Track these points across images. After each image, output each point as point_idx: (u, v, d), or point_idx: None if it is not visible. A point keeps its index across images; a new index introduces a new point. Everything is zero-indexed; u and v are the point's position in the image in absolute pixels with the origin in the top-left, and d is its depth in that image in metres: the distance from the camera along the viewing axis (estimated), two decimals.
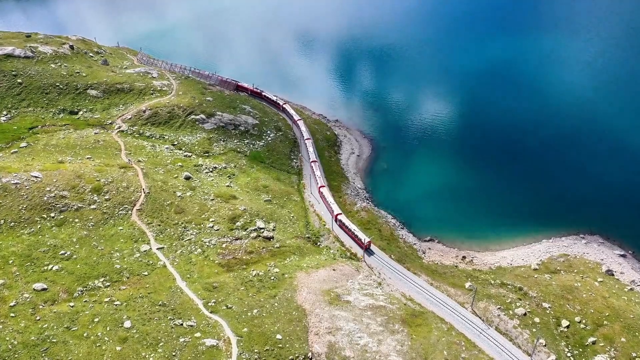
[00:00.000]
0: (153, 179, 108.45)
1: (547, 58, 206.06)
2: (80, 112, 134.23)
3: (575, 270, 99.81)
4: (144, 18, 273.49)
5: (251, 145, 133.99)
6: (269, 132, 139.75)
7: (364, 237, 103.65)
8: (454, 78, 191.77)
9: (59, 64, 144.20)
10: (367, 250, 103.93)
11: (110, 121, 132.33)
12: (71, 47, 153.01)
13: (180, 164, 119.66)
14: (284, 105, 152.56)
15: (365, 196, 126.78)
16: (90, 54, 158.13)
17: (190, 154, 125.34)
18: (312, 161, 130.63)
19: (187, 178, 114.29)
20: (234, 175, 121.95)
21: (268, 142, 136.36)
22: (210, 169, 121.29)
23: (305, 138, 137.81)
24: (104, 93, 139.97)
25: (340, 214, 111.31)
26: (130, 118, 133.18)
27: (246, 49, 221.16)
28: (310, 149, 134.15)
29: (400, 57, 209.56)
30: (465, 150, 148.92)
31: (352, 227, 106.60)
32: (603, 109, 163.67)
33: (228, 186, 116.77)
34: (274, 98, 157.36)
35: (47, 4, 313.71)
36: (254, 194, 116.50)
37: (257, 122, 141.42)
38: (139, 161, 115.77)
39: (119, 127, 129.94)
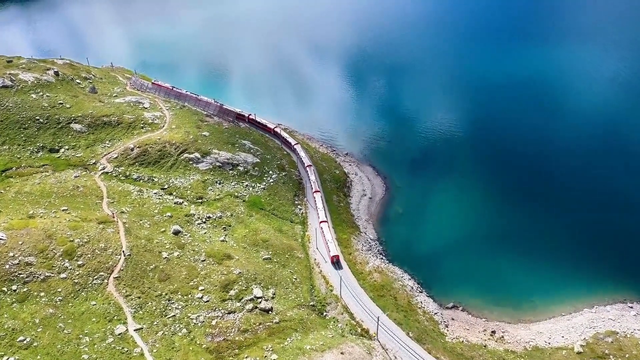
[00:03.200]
0: (136, 236, 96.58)
1: (576, 71, 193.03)
2: (62, 150, 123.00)
3: (627, 355, 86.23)
4: (152, 25, 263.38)
5: (251, 189, 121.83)
6: (271, 172, 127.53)
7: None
8: (474, 103, 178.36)
9: (41, 93, 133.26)
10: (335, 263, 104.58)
11: (94, 160, 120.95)
12: (56, 73, 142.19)
13: (169, 213, 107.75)
14: (295, 146, 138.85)
15: (378, 250, 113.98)
16: (77, 81, 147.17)
17: (181, 201, 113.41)
18: (314, 191, 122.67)
19: (176, 233, 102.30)
20: (230, 226, 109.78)
21: (270, 184, 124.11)
22: (204, 219, 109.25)
23: (312, 184, 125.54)
24: (88, 127, 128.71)
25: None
26: (116, 157, 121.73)
27: (251, 67, 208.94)
28: (313, 177, 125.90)
29: (415, 77, 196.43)
30: (491, 189, 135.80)
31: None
32: None
33: (223, 241, 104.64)
34: (285, 136, 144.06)
35: (54, 8, 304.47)
36: (252, 251, 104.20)
37: (258, 160, 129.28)
38: (122, 212, 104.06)
39: (103, 168, 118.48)
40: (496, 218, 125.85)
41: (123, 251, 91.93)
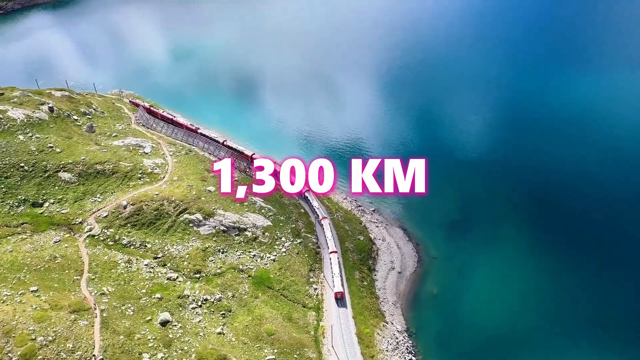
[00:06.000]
0: (114, 331, 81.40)
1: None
2: (46, 205, 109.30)
3: None
4: (187, 33, 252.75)
5: (259, 260, 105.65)
6: (283, 238, 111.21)
7: None
8: (528, 146, 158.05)
9: (30, 134, 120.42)
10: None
11: (80, 219, 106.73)
12: (50, 109, 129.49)
13: (159, 295, 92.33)
14: (319, 213, 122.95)
15: (407, 347, 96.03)
16: (75, 117, 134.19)
17: (175, 276, 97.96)
18: (331, 252, 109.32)
19: (164, 323, 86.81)
20: (230, 312, 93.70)
21: (281, 254, 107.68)
22: (199, 303, 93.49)
23: (330, 251, 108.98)
24: (79, 177, 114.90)
25: None
26: (106, 216, 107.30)
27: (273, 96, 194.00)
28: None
29: (453, 116, 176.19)
30: (554, 261, 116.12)
31: None
32: None
33: (220, 333, 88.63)
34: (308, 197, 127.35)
35: (81, 15, 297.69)
36: (254, 348, 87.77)
37: (270, 223, 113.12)
38: (103, 294, 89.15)
39: (90, 230, 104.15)
40: (563, 299, 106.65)
41: (94, 355, 76.71)
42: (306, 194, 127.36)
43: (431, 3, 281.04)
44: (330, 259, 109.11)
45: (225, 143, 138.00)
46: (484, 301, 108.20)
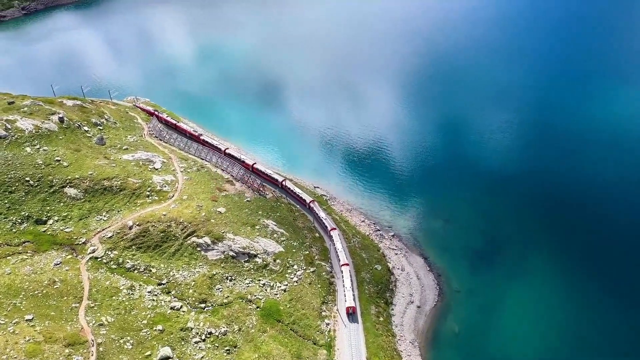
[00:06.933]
0: None
1: None
2: (50, 222, 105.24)
3: None
4: (208, 37, 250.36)
5: (268, 289, 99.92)
6: (295, 266, 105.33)
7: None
8: (547, 160, 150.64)
9: (38, 146, 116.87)
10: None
11: (84, 239, 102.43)
12: (60, 119, 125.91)
13: (160, 326, 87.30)
14: (327, 224, 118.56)
15: None
16: (85, 128, 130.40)
17: (179, 305, 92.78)
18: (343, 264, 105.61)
19: (165, 359, 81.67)
20: (235, 347, 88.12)
21: (293, 284, 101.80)
22: (203, 336, 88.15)
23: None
24: (85, 193, 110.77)
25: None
26: (110, 236, 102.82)
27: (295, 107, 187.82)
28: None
29: (484, 131, 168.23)
30: (586, 294, 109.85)
31: None
32: None
33: None
34: (321, 216, 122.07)
35: (108, 15, 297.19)
36: None
37: (282, 249, 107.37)
38: (101, 325, 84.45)
39: (93, 251, 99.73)
40: (600, 338, 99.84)
41: None
42: (311, 205, 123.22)
43: (467, 13, 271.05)
44: (342, 271, 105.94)
45: (254, 166, 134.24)
46: (510, 341, 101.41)
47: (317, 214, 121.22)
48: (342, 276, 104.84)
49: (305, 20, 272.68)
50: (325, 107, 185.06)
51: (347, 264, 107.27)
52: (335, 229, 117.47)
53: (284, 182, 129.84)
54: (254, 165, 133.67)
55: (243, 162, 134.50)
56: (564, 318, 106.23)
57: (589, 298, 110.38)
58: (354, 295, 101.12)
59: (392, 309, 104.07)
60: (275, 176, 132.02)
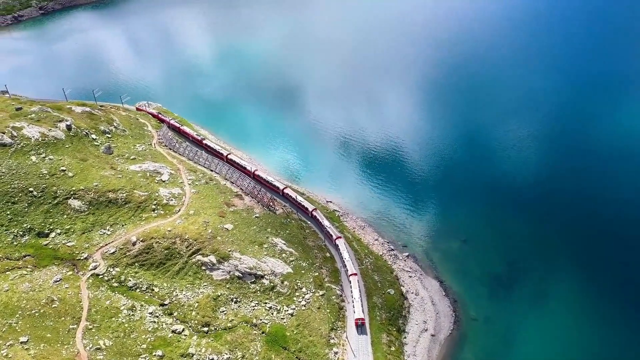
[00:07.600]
0: None
1: None
2: (52, 235, 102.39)
3: None
4: (226, 39, 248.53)
5: (275, 313, 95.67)
6: (304, 289, 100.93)
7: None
8: (571, 177, 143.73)
9: (43, 155, 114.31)
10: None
11: (86, 254, 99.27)
12: (68, 127, 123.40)
13: (160, 352, 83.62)
14: (332, 232, 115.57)
15: None
16: (93, 136, 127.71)
17: (181, 328, 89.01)
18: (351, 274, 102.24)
19: None
20: None
21: (301, 308, 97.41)
22: None
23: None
24: (89, 205, 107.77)
25: None
26: (113, 252, 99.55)
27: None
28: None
29: (494, 140, 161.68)
30: (612, 323, 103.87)
31: None
32: None
33: None
34: (330, 231, 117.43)
35: (125, 15, 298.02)
36: None
37: (290, 269, 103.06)
38: (98, 349, 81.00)
39: (95, 267, 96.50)
40: None
41: None
42: (314, 213, 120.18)
43: (492, 15, 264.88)
44: (350, 282, 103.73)
45: (255, 172, 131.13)
46: None
47: (320, 222, 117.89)
48: (350, 286, 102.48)
49: (325, 23, 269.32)
50: (342, 114, 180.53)
51: (355, 274, 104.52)
52: (340, 237, 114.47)
53: (285, 190, 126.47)
54: (255, 172, 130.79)
55: (244, 168, 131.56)
56: (589, 349, 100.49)
57: (617, 327, 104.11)
58: (362, 306, 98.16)
59: (405, 337, 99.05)
60: (277, 183, 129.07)
